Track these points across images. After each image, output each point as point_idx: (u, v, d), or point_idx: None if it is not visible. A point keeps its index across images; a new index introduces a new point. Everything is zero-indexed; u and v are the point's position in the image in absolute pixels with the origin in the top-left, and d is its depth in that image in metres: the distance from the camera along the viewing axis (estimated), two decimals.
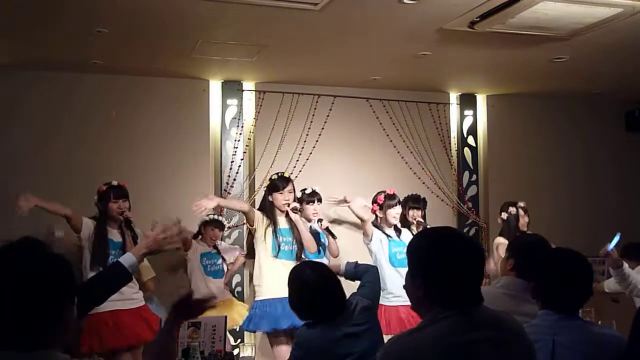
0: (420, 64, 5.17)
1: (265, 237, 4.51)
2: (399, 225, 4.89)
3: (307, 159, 5.79)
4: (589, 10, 3.87)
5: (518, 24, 4.06)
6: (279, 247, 4.48)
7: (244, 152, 5.73)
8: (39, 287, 1.54)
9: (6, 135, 5.17)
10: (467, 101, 6.45)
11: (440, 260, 1.76)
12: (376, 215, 4.89)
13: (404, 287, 1.86)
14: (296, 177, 5.61)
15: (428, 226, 4.92)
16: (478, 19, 4.03)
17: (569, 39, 4.44)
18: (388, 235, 4.82)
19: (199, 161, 5.65)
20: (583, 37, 4.39)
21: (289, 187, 4.57)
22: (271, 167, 5.61)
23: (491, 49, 4.76)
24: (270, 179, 4.71)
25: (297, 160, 5.77)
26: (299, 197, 4.82)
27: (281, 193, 4.54)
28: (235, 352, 4.05)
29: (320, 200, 4.91)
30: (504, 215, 5.21)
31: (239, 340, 5.33)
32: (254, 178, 5.74)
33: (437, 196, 6.16)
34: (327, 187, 5.14)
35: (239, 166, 5.68)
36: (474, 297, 1.77)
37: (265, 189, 4.76)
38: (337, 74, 5.58)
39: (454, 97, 6.42)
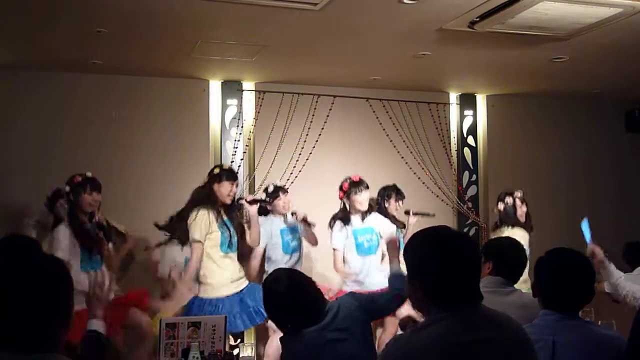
0: (420, 64, 5.17)
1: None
2: (363, 212, 4.70)
3: (307, 159, 5.78)
4: (589, 10, 3.87)
5: (518, 24, 4.06)
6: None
7: (244, 152, 5.73)
8: (41, 289, 1.54)
9: (6, 135, 5.17)
10: (467, 101, 6.45)
11: (437, 261, 1.76)
12: (343, 204, 4.74)
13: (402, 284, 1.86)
14: (296, 177, 5.61)
15: (431, 213, 5.03)
16: (478, 19, 4.03)
17: (569, 39, 4.44)
18: (350, 224, 4.65)
19: (199, 161, 5.63)
20: (583, 37, 4.39)
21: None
22: (271, 167, 5.61)
23: (491, 49, 4.76)
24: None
25: (297, 160, 5.77)
26: (265, 198, 4.79)
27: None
28: (235, 352, 4.05)
29: (285, 191, 4.85)
30: (501, 206, 5.08)
31: (238, 340, 5.32)
32: (254, 178, 5.74)
33: (437, 196, 6.16)
34: (327, 187, 5.13)
35: (239, 166, 5.67)
36: (472, 297, 1.77)
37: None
38: (337, 74, 5.58)
39: (453, 97, 6.43)
